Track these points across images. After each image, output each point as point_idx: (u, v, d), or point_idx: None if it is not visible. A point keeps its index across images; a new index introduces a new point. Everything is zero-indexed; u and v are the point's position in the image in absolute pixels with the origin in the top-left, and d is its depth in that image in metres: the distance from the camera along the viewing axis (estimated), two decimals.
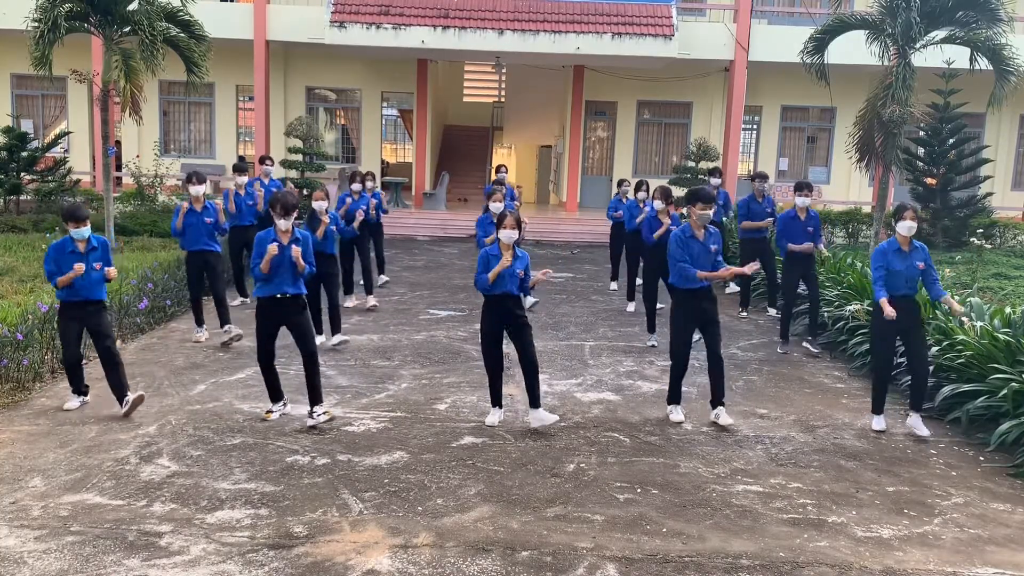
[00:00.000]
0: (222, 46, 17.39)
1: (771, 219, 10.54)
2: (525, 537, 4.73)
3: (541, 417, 6.43)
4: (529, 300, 10.50)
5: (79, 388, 6.69)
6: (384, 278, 12.14)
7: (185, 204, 8.75)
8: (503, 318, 6.41)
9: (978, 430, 6.70)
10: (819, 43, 13.48)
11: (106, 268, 6.52)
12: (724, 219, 12.71)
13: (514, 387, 7.28)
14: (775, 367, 8.66)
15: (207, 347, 8.64)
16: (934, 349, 7.44)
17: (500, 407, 6.63)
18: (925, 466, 6.09)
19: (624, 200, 11.73)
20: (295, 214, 6.40)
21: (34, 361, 7.22)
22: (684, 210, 9.62)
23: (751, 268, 6.79)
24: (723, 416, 6.69)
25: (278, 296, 6.35)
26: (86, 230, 6.44)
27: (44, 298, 8.37)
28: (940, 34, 12.78)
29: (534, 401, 6.46)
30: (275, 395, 6.59)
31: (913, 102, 12.53)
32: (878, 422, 6.79)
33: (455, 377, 7.87)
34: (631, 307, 11.18)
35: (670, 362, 6.87)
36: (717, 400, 6.76)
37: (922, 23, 12.22)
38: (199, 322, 8.96)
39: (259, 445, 5.97)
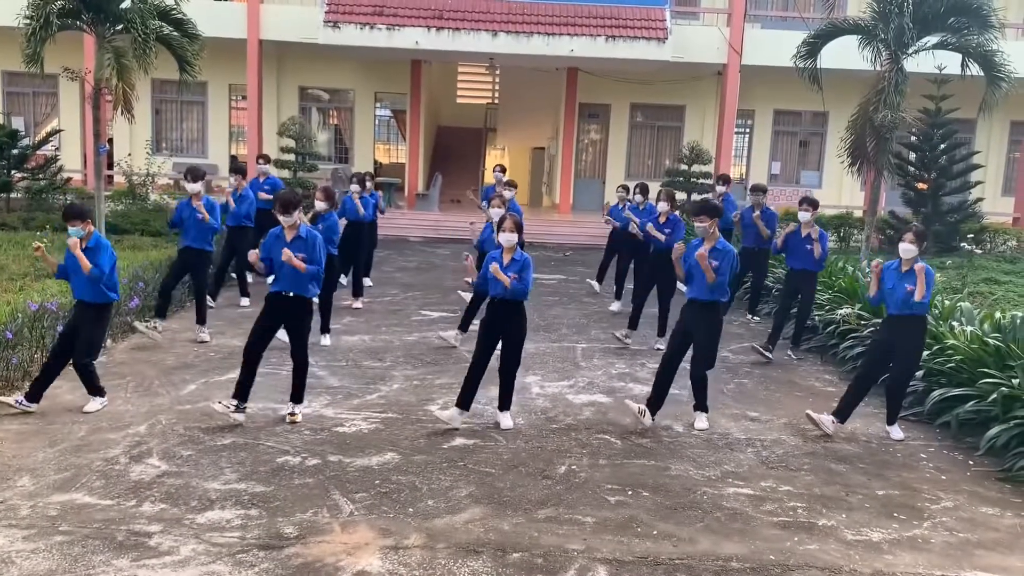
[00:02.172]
0: (215, 45, 17.32)
1: (758, 213, 10.49)
2: (516, 539, 4.72)
3: (504, 421, 6.56)
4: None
5: (36, 392, 6.50)
6: (368, 282, 12.06)
7: (198, 203, 8.80)
8: (495, 320, 6.43)
9: (967, 434, 6.73)
10: (812, 48, 13.54)
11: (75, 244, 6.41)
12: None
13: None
14: (766, 370, 8.68)
15: (198, 347, 8.60)
16: (924, 354, 7.47)
17: (466, 411, 6.52)
18: (915, 470, 6.11)
19: (622, 205, 11.72)
20: (298, 210, 6.42)
21: (23, 360, 7.17)
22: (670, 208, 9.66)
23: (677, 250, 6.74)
24: (699, 420, 6.80)
25: (282, 294, 6.38)
26: (74, 229, 6.38)
27: (34, 297, 8.33)
28: (932, 40, 12.85)
29: (503, 404, 6.61)
30: (241, 393, 6.36)
31: (905, 107, 12.60)
32: (828, 423, 6.70)
33: (447, 378, 7.86)
34: (616, 306, 11.16)
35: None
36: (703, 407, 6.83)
37: (914, 29, 12.28)
38: (160, 314, 8.92)
39: (250, 445, 5.95)
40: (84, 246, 6.43)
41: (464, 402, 6.49)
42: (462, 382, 6.54)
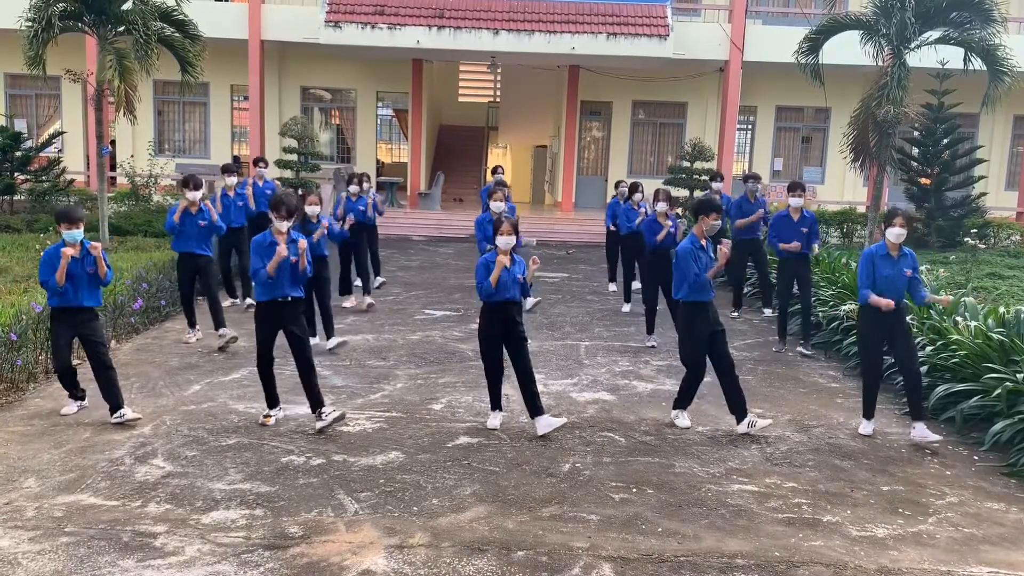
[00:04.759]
0: (217, 46, 17.36)
1: (761, 211, 10.54)
2: (521, 537, 4.73)
3: (548, 423, 6.37)
4: (530, 301, 10.51)
5: (75, 394, 6.62)
6: (380, 279, 12.12)
7: (183, 203, 8.72)
8: (503, 325, 6.38)
9: (972, 430, 6.72)
10: (813, 43, 13.52)
11: (95, 256, 6.31)
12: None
13: (510, 387, 7.26)
14: (770, 367, 8.68)
15: (202, 348, 8.62)
16: (928, 349, 7.46)
17: (500, 410, 6.61)
18: (919, 465, 6.11)
19: (621, 203, 11.71)
20: (295, 218, 6.40)
21: (28, 362, 7.19)
22: (677, 211, 9.69)
23: (724, 248, 6.53)
24: (757, 422, 6.59)
25: (279, 300, 6.33)
26: (78, 233, 6.27)
27: (38, 299, 8.35)
28: (934, 34, 12.82)
29: (536, 410, 6.40)
30: (272, 400, 6.54)
31: (907, 102, 12.57)
32: (866, 426, 6.72)
33: (450, 377, 7.87)
34: (626, 308, 11.19)
35: (686, 371, 6.74)
36: (740, 411, 6.59)
37: (916, 23, 12.26)
38: (191, 324, 8.95)
39: (254, 445, 5.96)
40: (80, 252, 6.33)
41: (497, 403, 6.57)
42: (488, 389, 6.56)
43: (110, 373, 6.37)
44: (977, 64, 12.77)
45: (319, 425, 6.27)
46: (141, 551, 4.42)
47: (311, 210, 8.33)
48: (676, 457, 6.06)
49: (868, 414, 6.77)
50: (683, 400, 6.82)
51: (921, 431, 6.50)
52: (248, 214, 10.63)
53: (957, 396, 6.94)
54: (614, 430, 6.57)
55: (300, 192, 17.44)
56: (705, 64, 20.11)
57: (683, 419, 6.75)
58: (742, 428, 6.56)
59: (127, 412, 6.32)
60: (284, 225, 6.31)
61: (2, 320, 7.44)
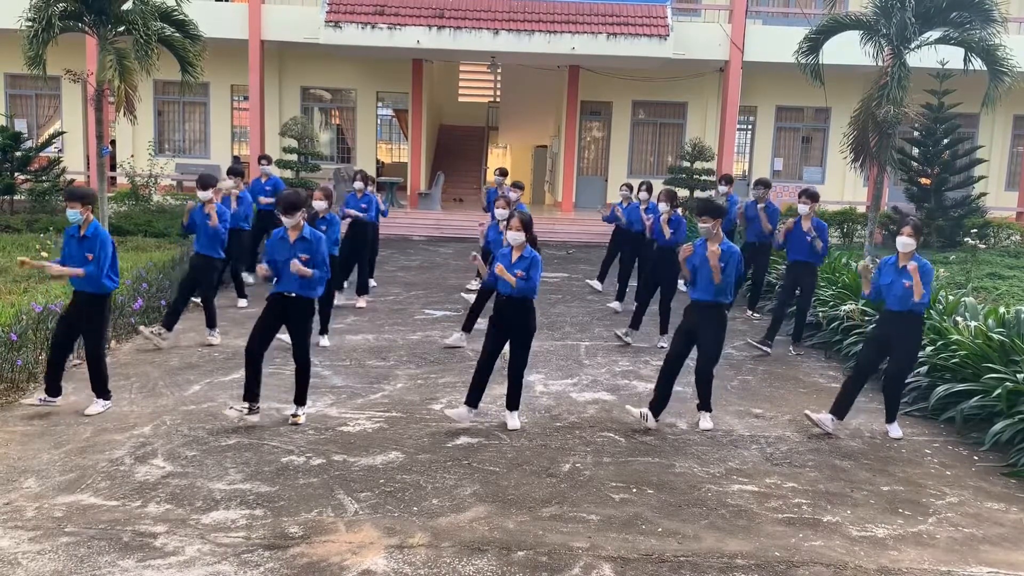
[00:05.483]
0: (217, 46, 17.36)
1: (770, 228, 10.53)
2: (521, 537, 4.73)
3: (511, 421, 6.54)
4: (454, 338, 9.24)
5: (50, 387, 6.54)
6: (372, 282, 12.05)
7: (190, 203, 8.87)
8: (500, 318, 6.43)
9: (972, 430, 6.72)
10: (814, 43, 13.50)
11: (66, 266, 6.38)
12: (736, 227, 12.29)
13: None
14: (770, 367, 8.68)
15: (202, 348, 8.62)
16: (928, 349, 7.46)
17: (474, 408, 6.54)
18: (920, 465, 6.11)
19: (626, 204, 11.68)
20: (301, 211, 6.39)
21: (28, 362, 7.19)
22: (678, 209, 9.68)
23: (684, 251, 6.66)
24: (703, 420, 6.75)
25: (284, 294, 6.37)
26: (75, 213, 6.31)
27: (38, 299, 8.35)
28: (934, 34, 12.81)
29: (510, 404, 6.60)
30: (249, 393, 6.36)
31: (907, 102, 12.56)
32: (827, 421, 6.64)
33: (450, 377, 7.87)
34: (617, 306, 11.14)
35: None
36: (703, 405, 6.82)
37: (916, 23, 12.25)
38: (168, 326, 8.72)
39: (254, 445, 5.96)
40: (83, 233, 6.38)
41: (473, 400, 6.53)
42: (470, 380, 6.56)
43: (98, 366, 6.55)
44: (977, 64, 12.76)
45: (287, 415, 6.49)
46: (141, 551, 4.42)
47: (317, 205, 8.35)
48: (676, 457, 6.06)
49: (834, 410, 6.71)
50: (656, 400, 6.73)
51: (891, 429, 6.73)
52: (248, 216, 10.68)
53: (957, 396, 6.95)
54: (614, 430, 6.57)
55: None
56: (705, 64, 20.09)
57: (651, 420, 6.64)
58: (704, 424, 6.74)
59: (96, 406, 6.54)
60: (288, 221, 6.32)
61: (2, 320, 7.44)
